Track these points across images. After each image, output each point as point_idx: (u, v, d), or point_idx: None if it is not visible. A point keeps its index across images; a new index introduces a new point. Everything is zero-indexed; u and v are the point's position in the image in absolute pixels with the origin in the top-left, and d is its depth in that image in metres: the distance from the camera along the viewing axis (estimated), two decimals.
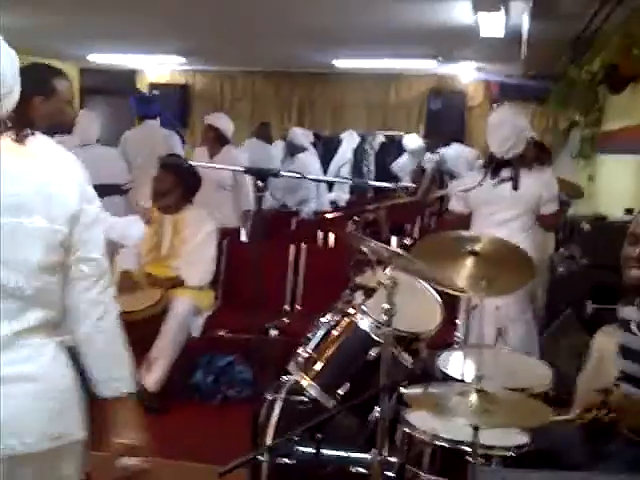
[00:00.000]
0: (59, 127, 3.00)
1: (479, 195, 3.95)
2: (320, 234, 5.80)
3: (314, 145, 8.51)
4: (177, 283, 4.57)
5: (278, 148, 8.30)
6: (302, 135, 7.93)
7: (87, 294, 1.66)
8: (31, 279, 1.53)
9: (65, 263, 1.61)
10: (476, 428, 1.94)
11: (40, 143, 1.63)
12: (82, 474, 1.77)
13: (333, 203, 8.53)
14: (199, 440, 3.93)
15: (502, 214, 3.92)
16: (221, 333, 4.69)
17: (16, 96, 1.59)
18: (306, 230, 6.17)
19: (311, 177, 4.98)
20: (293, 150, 7.77)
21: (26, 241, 1.52)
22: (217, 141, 5.89)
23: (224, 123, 6.01)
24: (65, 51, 8.26)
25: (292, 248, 5.08)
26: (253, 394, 4.46)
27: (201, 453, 3.72)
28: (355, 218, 3.21)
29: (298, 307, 5.01)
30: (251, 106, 10.28)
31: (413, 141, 8.83)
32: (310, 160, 7.83)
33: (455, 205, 4.16)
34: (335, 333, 2.66)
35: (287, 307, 5.00)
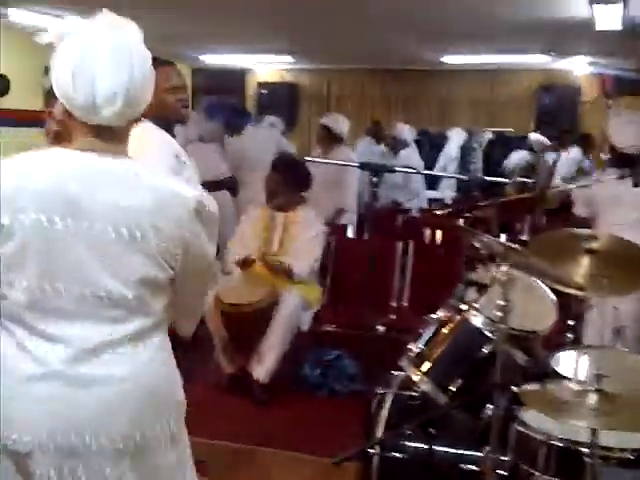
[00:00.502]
0: (164, 119, 3.03)
1: (602, 193, 3.80)
2: (427, 231, 5.77)
3: (419, 142, 8.47)
4: (286, 277, 4.65)
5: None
6: (407, 131, 7.90)
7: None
8: (132, 289, 1.58)
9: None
10: (595, 430, 1.90)
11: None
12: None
13: (438, 201, 8.46)
14: (306, 432, 4.00)
15: (626, 214, 3.77)
16: (329, 328, 4.76)
17: (144, 104, 1.63)
18: (413, 227, 6.16)
19: (428, 172, 4.96)
20: (396, 146, 7.75)
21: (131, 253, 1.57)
22: (331, 141, 5.97)
23: (338, 124, 6.10)
24: (180, 52, 8.55)
25: (399, 245, 5.09)
26: (359, 388, 4.53)
27: (308, 445, 3.79)
28: (465, 215, 3.18)
29: (404, 304, 5.01)
30: (357, 103, 10.33)
31: (536, 139, 8.61)
32: (413, 156, 7.79)
33: (580, 209, 4.00)
34: (447, 329, 2.66)
35: (394, 304, 5.01)
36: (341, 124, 6.13)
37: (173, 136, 2.88)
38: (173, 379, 1.70)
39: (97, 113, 1.56)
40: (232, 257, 4.76)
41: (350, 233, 5.75)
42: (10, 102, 7.89)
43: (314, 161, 5.11)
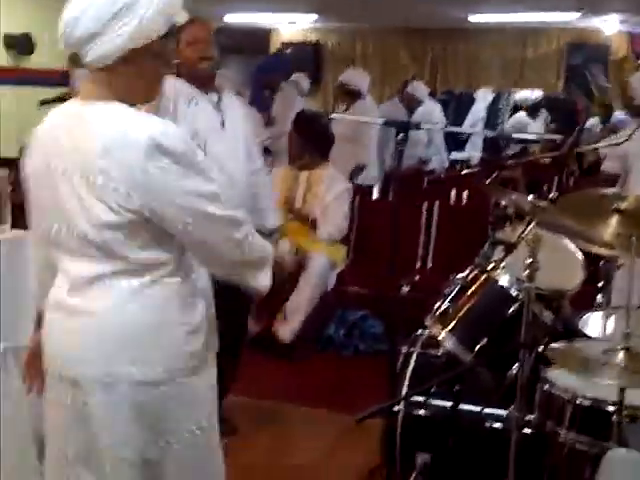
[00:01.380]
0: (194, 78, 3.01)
1: (633, 149, 3.72)
2: (452, 192, 5.72)
3: (446, 102, 8.35)
4: (312, 224, 4.64)
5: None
6: (420, 88, 7.74)
7: None
8: (98, 233, 1.60)
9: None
10: (623, 389, 1.89)
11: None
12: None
13: (464, 162, 8.37)
14: (331, 391, 4.03)
15: None
16: (354, 288, 4.77)
17: (107, 47, 1.56)
18: (438, 187, 6.11)
19: (457, 129, 4.90)
20: (412, 104, 7.62)
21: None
22: (351, 97, 5.92)
23: (358, 79, 6.03)
24: (203, 11, 8.46)
25: (424, 205, 5.05)
26: (384, 348, 4.53)
27: (333, 403, 3.82)
28: (492, 175, 3.14)
29: (429, 265, 5.00)
30: (382, 63, 10.20)
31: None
32: (434, 113, 7.64)
33: (610, 166, 3.93)
34: (473, 288, 2.64)
35: (418, 265, 4.99)
36: (359, 79, 6.06)
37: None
38: (154, 325, 1.66)
39: (69, 47, 1.60)
40: None
41: (375, 194, 5.72)
42: (35, 61, 7.89)
43: (341, 117, 5.05)
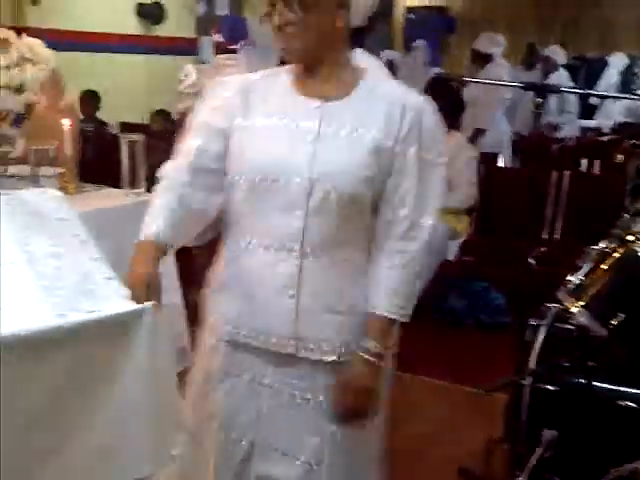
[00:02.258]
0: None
1: None
2: (584, 160, 5.48)
3: (576, 68, 7.98)
4: None
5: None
6: (560, 54, 7.43)
7: None
8: None
9: None
10: None
11: None
12: None
13: (595, 130, 7.99)
14: (450, 361, 3.98)
15: None
16: (477, 259, 4.67)
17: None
18: (568, 156, 5.86)
19: (597, 93, 4.64)
20: (548, 68, 7.32)
21: None
22: (482, 62, 5.75)
23: (490, 45, 5.86)
24: None
25: (554, 174, 4.86)
26: (506, 321, 4.43)
27: (452, 374, 3.77)
28: (631, 142, 2.97)
29: (556, 236, 4.82)
30: (510, 27, 9.84)
31: None
32: (564, 81, 7.32)
33: None
34: (610, 261, 2.51)
35: (545, 236, 4.83)
36: (491, 44, 5.87)
37: None
38: None
39: None
40: None
41: (501, 162, 5.55)
42: (166, 30, 8.10)
43: (476, 81, 4.89)
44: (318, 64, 1.64)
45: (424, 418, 3.38)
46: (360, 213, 1.65)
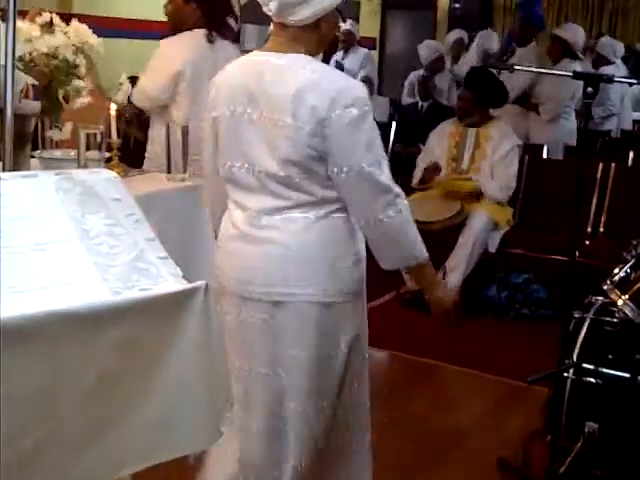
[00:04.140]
0: None
1: None
2: (630, 153, 5.37)
3: (625, 59, 7.80)
4: (475, 196, 4.55)
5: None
6: (614, 46, 7.26)
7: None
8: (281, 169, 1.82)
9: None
10: None
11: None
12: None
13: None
14: (491, 353, 3.95)
15: None
16: (518, 251, 4.63)
17: (313, 10, 1.79)
18: (615, 148, 5.76)
19: None
20: (599, 62, 7.17)
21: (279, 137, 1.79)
22: (562, 53, 5.62)
23: (572, 35, 5.72)
24: None
25: (599, 167, 4.78)
26: (548, 313, 4.38)
27: (492, 365, 3.75)
28: None
29: (601, 230, 4.75)
30: (557, 15, 9.71)
31: None
32: (617, 73, 7.17)
33: None
34: None
35: (589, 229, 4.76)
36: (576, 34, 5.74)
37: None
38: (329, 255, 1.89)
39: (281, 7, 1.79)
40: (419, 172, 4.72)
41: (545, 153, 5.47)
42: None
43: (528, 70, 4.78)
44: None
45: (465, 410, 3.38)
46: None
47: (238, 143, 1.88)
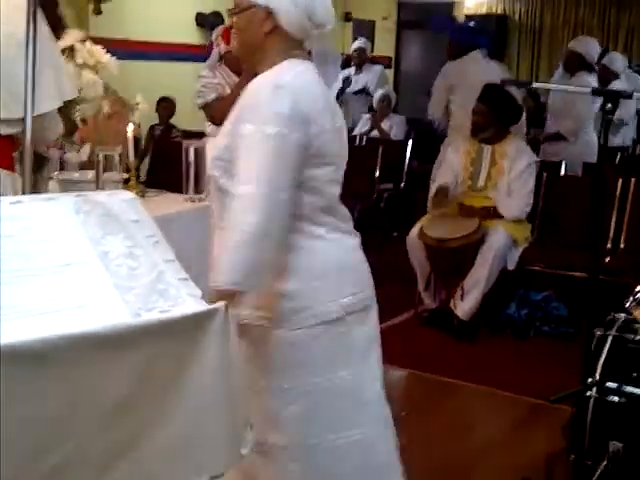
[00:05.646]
0: None
1: None
2: None
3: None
4: (493, 214, 4.53)
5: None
6: (620, 60, 7.22)
7: None
8: None
9: None
10: None
11: None
12: None
13: None
14: (511, 371, 3.91)
15: None
16: (537, 268, 4.59)
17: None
18: (633, 163, 5.72)
19: None
20: (607, 76, 7.12)
21: None
22: (579, 67, 5.61)
23: (588, 48, 5.72)
24: None
25: (619, 182, 4.74)
26: (568, 331, 4.34)
27: (512, 383, 3.71)
28: None
29: (621, 246, 4.70)
30: (572, 35, 9.68)
31: None
32: (634, 80, 7.12)
33: None
34: None
35: (609, 245, 4.71)
36: (591, 47, 5.74)
37: None
38: None
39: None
40: (434, 188, 4.71)
41: (562, 169, 5.45)
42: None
43: (545, 87, 4.79)
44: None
45: (486, 429, 3.35)
46: None
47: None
